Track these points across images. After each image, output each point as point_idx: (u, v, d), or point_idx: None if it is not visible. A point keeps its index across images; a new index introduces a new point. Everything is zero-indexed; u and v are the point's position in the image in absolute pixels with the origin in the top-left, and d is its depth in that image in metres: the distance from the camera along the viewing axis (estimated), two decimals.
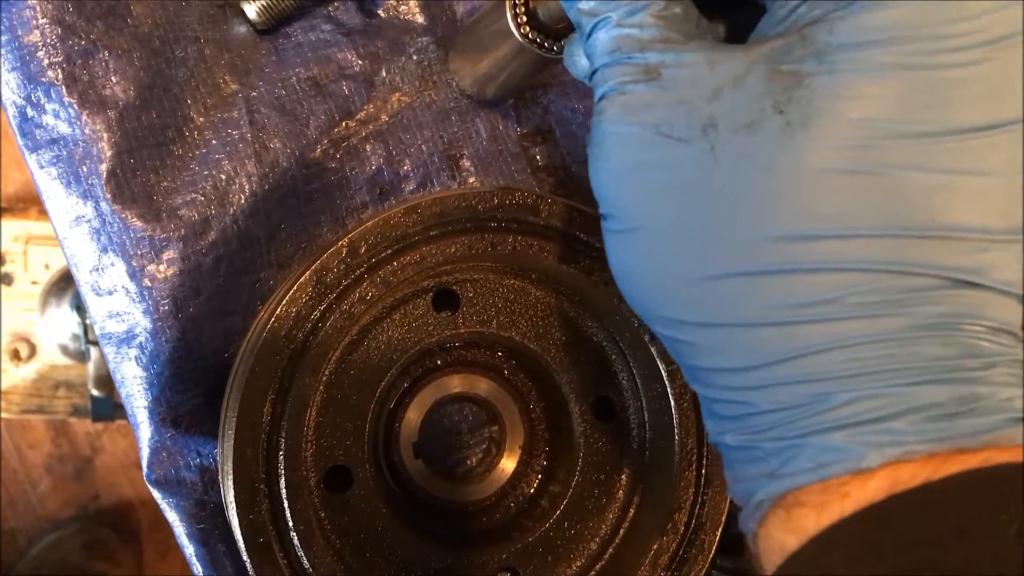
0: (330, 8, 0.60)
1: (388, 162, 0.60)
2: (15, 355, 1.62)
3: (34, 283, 1.59)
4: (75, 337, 1.59)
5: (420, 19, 0.62)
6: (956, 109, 0.32)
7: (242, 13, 0.57)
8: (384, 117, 0.60)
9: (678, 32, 0.37)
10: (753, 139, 0.34)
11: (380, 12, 0.61)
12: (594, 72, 0.40)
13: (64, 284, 1.58)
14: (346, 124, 0.59)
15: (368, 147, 0.60)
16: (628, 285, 0.39)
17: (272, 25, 0.58)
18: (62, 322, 1.59)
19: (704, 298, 0.36)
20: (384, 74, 0.60)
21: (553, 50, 0.53)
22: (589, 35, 0.40)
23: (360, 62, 0.60)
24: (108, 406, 1.61)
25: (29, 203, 1.58)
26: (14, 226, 1.54)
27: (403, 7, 0.61)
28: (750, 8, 0.43)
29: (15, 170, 1.60)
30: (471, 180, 0.62)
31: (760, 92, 0.34)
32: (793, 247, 0.33)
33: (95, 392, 1.59)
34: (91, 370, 1.58)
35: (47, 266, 1.58)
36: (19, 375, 1.63)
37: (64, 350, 1.61)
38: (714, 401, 0.38)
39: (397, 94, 0.61)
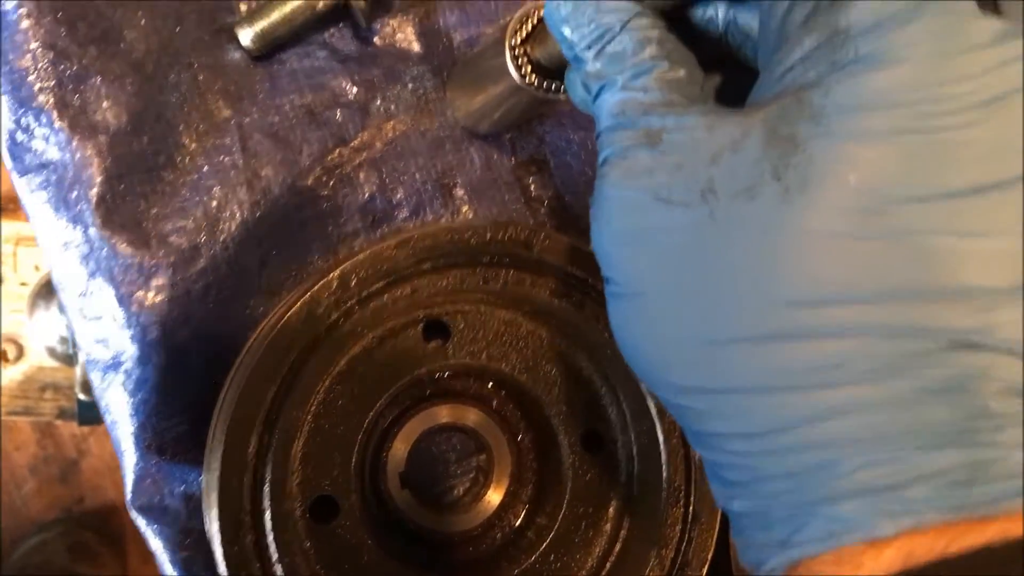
0: (326, 34, 0.60)
1: (381, 190, 0.60)
2: (3, 356, 1.61)
3: (23, 284, 1.58)
4: (63, 340, 1.58)
5: (416, 47, 0.61)
6: (955, 171, 0.32)
7: (236, 39, 0.57)
8: (378, 145, 0.60)
9: (681, 95, 0.37)
10: (751, 205, 0.34)
11: (376, 39, 0.61)
12: (599, 135, 0.40)
13: (53, 286, 1.57)
14: (339, 152, 0.59)
15: (361, 175, 0.59)
16: (631, 350, 0.39)
17: (267, 51, 0.58)
18: (50, 324, 1.58)
19: (707, 364, 0.35)
20: (379, 102, 0.60)
21: (551, 89, 0.52)
22: (596, 97, 0.40)
23: (355, 89, 0.59)
24: (95, 409, 1.60)
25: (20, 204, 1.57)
26: (5, 227, 1.53)
27: (399, 35, 0.61)
28: (749, 69, 0.43)
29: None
30: (464, 209, 0.62)
31: (757, 157, 0.34)
32: (796, 313, 0.33)
33: (82, 396, 1.58)
34: (78, 373, 1.57)
35: (36, 268, 1.57)
36: (6, 376, 1.62)
37: (52, 352, 1.60)
38: (720, 466, 0.37)
39: (392, 122, 0.60)
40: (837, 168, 0.32)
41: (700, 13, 0.43)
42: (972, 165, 0.32)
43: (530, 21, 0.53)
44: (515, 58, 0.52)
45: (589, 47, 0.40)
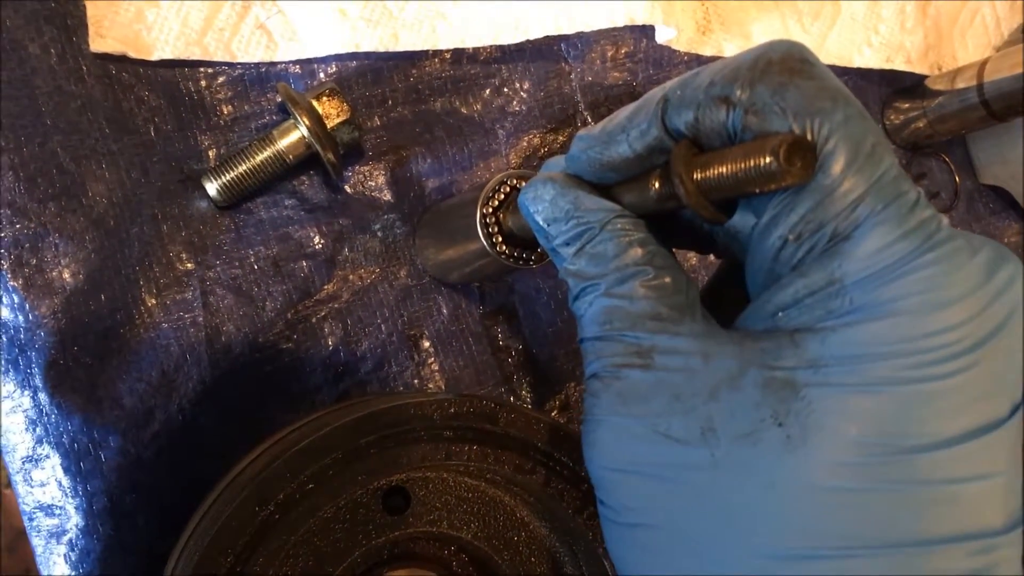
0: (295, 182, 0.59)
1: (345, 342, 0.58)
2: None
3: None
4: None
5: (387, 196, 0.61)
6: (950, 418, 0.32)
7: (204, 188, 0.56)
8: (344, 295, 0.59)
9: (668, 306, 0.37)
10: (753, 451, 0.33)
11: (346, 187, 0.60)
12: (583, 341, 0.39)
13: None
14: (304, 304, 0.58)
15: (326, 326, 0.58)
16: (625, 572, 0.38)
17: (234, 202, 0.56)
18: None
19: None
20: (347, 252, 0.59)
21: (522, 259, 0.52)
22: (576, 297, 0.39)
23: (322, 241, 0.58)
24: None
25: None
26: None
27: (370, 182, 0.60)
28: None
29: None
30: (430, 361, 0.61)
31: (757, 400, 0.33)
32: (799, 566, 0.32)
33: None
34: None
35: None
36: None
37: None
38: None
39: (359, 272, 0.59)
40: (838, 420, 0.32)
41: (684, 211, 0.42)
42: (967, 409, 0.32)
43: (503, 189, 0.52)
44: (486, 226, 0.51)
45: (568, 244, 0.39)
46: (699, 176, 0.34)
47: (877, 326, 0.32)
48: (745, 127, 0.33)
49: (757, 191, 0.33)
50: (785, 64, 0.33)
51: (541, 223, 0.40)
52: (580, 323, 0.39)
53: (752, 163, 0.32)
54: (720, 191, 0.34)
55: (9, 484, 1.67)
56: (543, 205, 0.40)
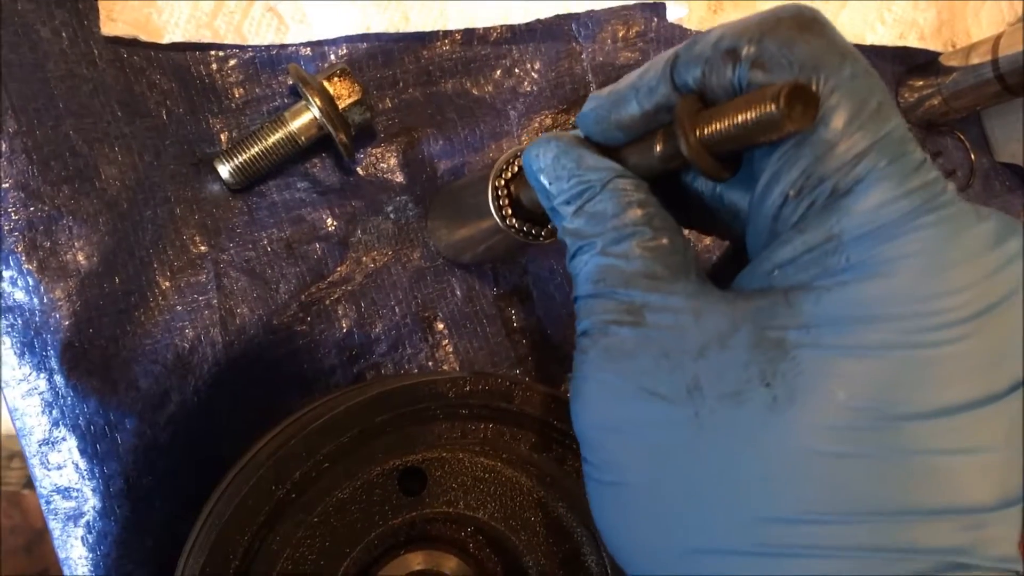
0: (307, 164, 0.59)
1: (359, 324, 0.58)
2: None
3: None
4: None
5: (399, 178, 0.60)
6: (945, 387, 0.31)
7: (216, 171, 0.56)
8: (357, 278, 0.58)
9: (664, 266, 0.36)
10: (739, 411, 0.32)
11: (359, 169, 0.60)
12: (576, 299, 0.38)
13: None
14: (317, 287, 0.57)
15: (339, 309, 0.58)
16: (609, 536, 0.38)
17: (246, 185, 0.56)
18: None
19: (686, 569, 0.34)
20: (360, 234, 0.59)
21: (532, 235, 0.51)
22: (573, 257, 0.39)
23: (335, 223, 0.58)
24: None
25: None
26: None
27: (383, 164, 0.60)
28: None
29: None
30: (444, 343, 0.60)
31: (746, 360, 0.33)
32: (780, 530, 0.32)
33: None
34: None
35: None
36: None
37: None
38: None
39: (372, 254, 0.59)
40: (826, 383, 0.31)
41: (687, 179, 0.42)
42: (962, 379, 0.31)
43: (516, 163, 0.52)
44: (497, 199, 0.51)
45: (568, 203, 0.39)
46: (702, 131, 0.34)
47: (873, 286, 0.31)
48: (751, 82, 0.33)
49: (759, 141, 0.32)
50: (796, 20, 0.33)
51: (543, 181, 0.40)
52: (575, 281, 0.39)
53: (754, 111, 0.31)
54: (723, 143, 0.33)
55: (28, 483, 1.68)
56: (546, 163, 0.40)
